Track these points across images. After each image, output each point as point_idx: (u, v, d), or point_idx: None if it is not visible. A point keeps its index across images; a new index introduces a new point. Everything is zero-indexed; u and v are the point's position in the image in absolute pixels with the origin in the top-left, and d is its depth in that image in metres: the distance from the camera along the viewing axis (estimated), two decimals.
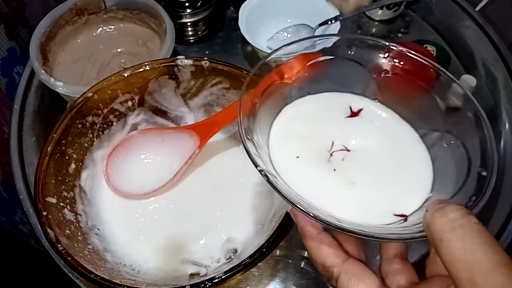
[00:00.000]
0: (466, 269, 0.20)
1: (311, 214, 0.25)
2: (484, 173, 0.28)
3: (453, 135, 0.30)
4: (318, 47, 0.34)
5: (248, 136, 0.28)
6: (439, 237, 0.22)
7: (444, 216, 0.22)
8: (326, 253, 0.27)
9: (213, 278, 0.34)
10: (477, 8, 0.69)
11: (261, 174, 0.26)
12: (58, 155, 0.42)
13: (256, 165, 0.26)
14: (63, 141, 0.43)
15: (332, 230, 0.27)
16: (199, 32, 0.69)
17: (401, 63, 0.33)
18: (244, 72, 0.44)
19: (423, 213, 0.24)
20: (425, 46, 0.60)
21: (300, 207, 0.25)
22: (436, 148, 0.31)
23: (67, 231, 0.39)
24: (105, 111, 0.47)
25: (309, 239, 0.28)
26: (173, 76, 0.48)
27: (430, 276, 0.27)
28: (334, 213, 0.27)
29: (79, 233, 0.40)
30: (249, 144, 0.28)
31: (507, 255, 0.20)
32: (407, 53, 0.33)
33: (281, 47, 0.33)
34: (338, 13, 0.61)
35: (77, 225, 0.41)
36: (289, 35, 0.63)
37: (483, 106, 0.49)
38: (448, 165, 0.30)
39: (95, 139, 0.47)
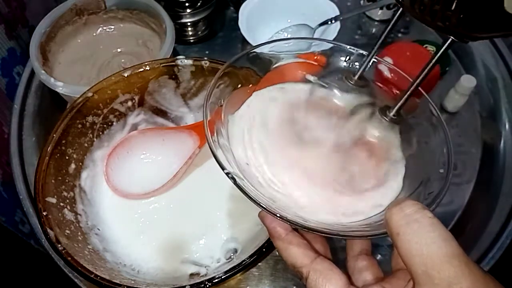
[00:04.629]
0: (421, 262, 0.21)
1: (278, 215, 0.25)
2: (441, 171, 0.29)
3: (416, 137, 0.32)
4: (302, 47, 0.35)
5: (215, 139, 0.29)
6: (396, 231, 0.23)
7: (401, 212, 0.23)
8: (295, 253, 0.27)
9: (213, 278, 0.34)
10: None
11: (227, 176, 0.27)
12: (58, 155, 0.42)
13: (222, 168, 0.27)
14: (63, 141, 0.43)
15: (300, 229, 0.29)
16: (199, 32, 0.69)
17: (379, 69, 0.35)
18: (245, 71, 0.44)
19: None
20: (425, 46, 0.60)
21: (267, 208, 0.26)
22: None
23: (67, 231, 0.39)
24: (105, 111, 0.47)
25: (278, 240, 0.28)
26: (173, 76, 0.48)
27: (395, 270, 0.28)
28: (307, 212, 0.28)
29: (79, 233, 0.40)
30: (215, 147, 0.28)
31: (460, 248, 0.21)
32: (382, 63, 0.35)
33: (261, 44, 0.34)
34: (338, 13, 0.61)
35: (77, 225, 0.41)
36: (289, 35, 0.63)
37: (483, 106, 0.50)
38: (410, 165, 0.31)
39: (95, 139, 0.47)
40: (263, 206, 0.26)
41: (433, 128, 0.31)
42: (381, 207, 0.29)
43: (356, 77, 0.32)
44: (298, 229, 0.29)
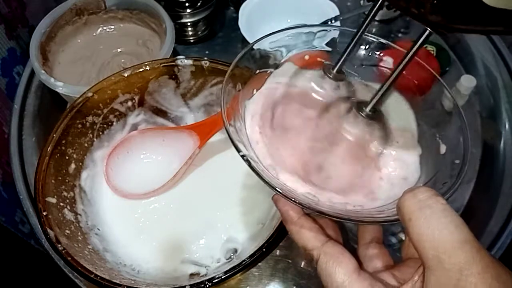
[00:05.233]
0: (432, 247, 0.21)
1: (292, 199, 0.25)
2: (457, 161, 0.29)
3: (430, 126, 0.32)
4: (304, 39, 0.35)
5: (231, 122, 0.29)
6: (408, 216, 0.23)
7: (414, 197, 0.23)
8: (306, 236, 0.28)
9: (213, 278, 0.34)
10: None
11: (243, 159, 0.27)
12: (58, 155, 0.42)
13: (238, 150, 0.27)
14: (63, 141, 0.43)
15: (312, 214, 0.29)
16: (199, 32, 0.69)
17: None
18: (245, 70, 0.44)
19: None
20: (425, 46, 0.60)
21: (281, 191, 0.26)
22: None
23: (67, 231, 0.39)
24: (105, 111, 0.47)
25: (291, 223, 0.29)
26: (173, 76, 0.48)
27: (405, 259, 0.28)
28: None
29: (79, 233, 0.40)
30: (231, 130, 0.28)
31: (471, 234, 0.21)
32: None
33: (265, 36, 0.34)
34: (338, 13, 0.61)
35: (77, 225, 0.41)
36: (289, 35, 0.63)
37: (483, 106, 0.50)
38: (427, 155, 0.31)
39: (95, 139, 0.47)
40: (277, 189, 0.26)
41: (449, 118, 0.31)
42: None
43: (335, 70, 0.32)
44: (310, 213, 0.29)
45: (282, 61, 0.35)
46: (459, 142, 0.30)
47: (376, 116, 0.30)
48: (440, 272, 0.21)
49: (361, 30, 0.30)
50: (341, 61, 0.31)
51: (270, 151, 0.31)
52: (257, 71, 0.34)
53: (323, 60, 0.35)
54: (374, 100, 0.28)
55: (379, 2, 0.28)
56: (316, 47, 0.35)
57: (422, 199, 0.23)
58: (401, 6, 0.23)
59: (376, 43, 0.34)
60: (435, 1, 0.20)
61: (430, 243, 0.21)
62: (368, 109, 0.29)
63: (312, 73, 0.34)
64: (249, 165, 0.26)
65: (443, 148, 0.31)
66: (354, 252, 0.28)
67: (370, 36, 0.34)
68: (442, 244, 0.21)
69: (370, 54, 0.35)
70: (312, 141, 0.32)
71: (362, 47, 0.35)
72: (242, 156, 0.27)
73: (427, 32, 0.24)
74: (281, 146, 0.31)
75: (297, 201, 0.25)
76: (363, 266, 0.29)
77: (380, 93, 0.28)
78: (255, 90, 0.34)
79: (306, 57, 0.35)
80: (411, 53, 0.26)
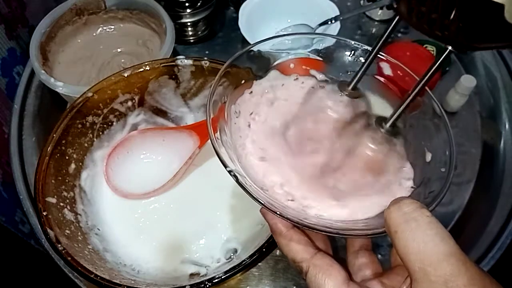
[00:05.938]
0: (418, 260, 0.21)
1: (278, 212, 0.25)
2: (443, 170, 0.29)
3: (418, 136, 0.32)
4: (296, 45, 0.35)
5: (217, 136, 0.29)
6: (394, 229, 0.23)
7: (399, 210, 0.23)
8: (295, 249, 0.27)
9: (213, 278, 0.34)
10: None
11: (230, 174, 0.27)
12: (58, 155, 0.42)
13: (225, 166, 0.27)
14: (63, 141, 0.43)
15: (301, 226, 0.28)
16: (199, 32, 0.69)
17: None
18: (245, 71, 0.44)
19: None
20: (425, 46, 0.60)
21: (267, 206, 0.26)
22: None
23: (67, 231, 0.39)
24: (105, 111, 0.47)
25: (279, 236, 0.29)
26: (173, 76, 0.48)
27: (394, 266, 0.28)
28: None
29: (79, 233, 0.40)
30: (218, 144, 0.28)
31: (457, 246, 0.21)
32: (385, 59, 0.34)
33: (263, 40, 0.33)
34: (338, 13, 0.61)
35: (77, 225, 0.41)
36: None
37: (483, 106, 0.49)
38: (413, 163, 0.31)
39: (95, 139, 0.47)
40: (264, 204, 0.26)
41: (436, 126, 0.31)
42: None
43: (350, 87, 0.32)
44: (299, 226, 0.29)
45: (269, 68, 0.35)
46: (445, 150, 0.30)
47: (396, 132, 0.30)
48: (426, 284, 0.21)
49: (377, 48, 0.30)
50: (357, 78, 0.31)
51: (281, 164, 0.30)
52: (242, 81, 0.33)
53: (308, 68, 0.35)
54: (394, 117, 0.28)
55: (395, 21, 0.28)
56: (308, 54, 0.36)
57: (407, 212, 0.23)
58: (424, 29, 0.23)
59: (361, 50, 0.34)
60: (461, 24, 0.20)
61: (416, 256, 0.21)
62: (388, 125, 0.29)
63: (327, 89, 0.34)
64: (237, 180, 0.26)
65: (428, 156, 0.31)
66: (344, 262, 0.27)
67: (355, 43, 0.34)
68: (428, 257, 0.21)
69: (356, 61, 0.35)
70: (330, 158, 0.31)
71: (347, 53, 0.35)
72: (229, 172, 0.26)
73: (448, 50, 0.24)
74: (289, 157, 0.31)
75: (284, 216, 0.25)
76: (352, 275, 0.29)
77: (401, 108, 0.28)
78: (240, 100, 0.33)
79: (291, 66, 0.35)
80: (432, 70, 0.26)
